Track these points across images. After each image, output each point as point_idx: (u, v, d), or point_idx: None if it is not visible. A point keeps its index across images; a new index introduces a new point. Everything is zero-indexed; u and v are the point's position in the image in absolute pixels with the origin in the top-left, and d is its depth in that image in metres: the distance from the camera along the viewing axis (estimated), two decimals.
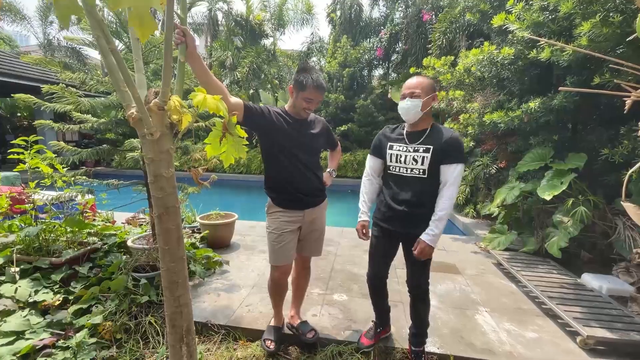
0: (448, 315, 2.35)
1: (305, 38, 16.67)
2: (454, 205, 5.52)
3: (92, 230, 2.86)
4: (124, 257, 2.59)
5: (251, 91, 10.71)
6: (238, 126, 1.32)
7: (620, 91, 1.20)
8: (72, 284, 2.25)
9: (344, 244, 3.88)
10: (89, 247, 2.56)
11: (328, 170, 2.15)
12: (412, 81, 1.67)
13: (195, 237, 3.38)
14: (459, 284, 2.87)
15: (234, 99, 1.59)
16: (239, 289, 2.69)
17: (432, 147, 1.63)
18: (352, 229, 4.44)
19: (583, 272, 2.95)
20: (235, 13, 11.25)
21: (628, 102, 1.12)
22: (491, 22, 2.98)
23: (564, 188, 2.85)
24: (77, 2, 0.70)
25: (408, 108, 1.65)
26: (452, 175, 1.59)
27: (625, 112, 1.16)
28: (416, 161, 1.67)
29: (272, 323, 2.13)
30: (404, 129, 1.78)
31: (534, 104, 2.99)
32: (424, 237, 1.62)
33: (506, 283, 2.91)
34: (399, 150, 1.73)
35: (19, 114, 13.63)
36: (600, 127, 3.07)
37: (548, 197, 2.91)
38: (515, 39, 3.13)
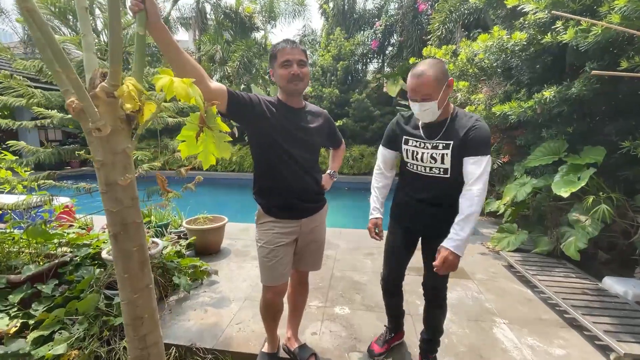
0: (463, 330, 2.11)
1: (297, 31, 16.26)
2: None
3: (62, 240, 2.54)
4: (97, 270, 2.29)
5: (242, 86, 10.34)
6: (219, 118, 1.02)
7: None
8: (32, 305, 1.95)
9: (343, 246, 3.61)
10: (56, 261, 2.25)
11: (328, 172, 1.83)
12: (421, 79, 1.33)
13: (180, 245, 3.08)
14: (471, 290, 2.64)
15: (215, 84, 1.27)
16: (229, 302, 2.42)
17: (452, 141, 1.38)
18: (351, 230, 4.18)
19: (601, 274, 2.73)
20: (224, 5, 10.82)
21: None
22: (505, 1, 2.71)
23: (582, 184, 2.62)
24: None
25: (422, 112, 1.38)
26: (479, 169, 1.31)
27: None
28: (435, 160, 1.43)
29: (265, 349, 1.84)
30: (419, 120, 1.50)
31: (549, 93, 2.74)
32: (446, 243, 1.31)
33: (521, 289, 2.68)
34: (415, 146, 1.49)
35: None
36: (619, 118, 2.84)
37: (565, 194, 2.68)
38: (526, 22, 2.88)
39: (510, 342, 1.99)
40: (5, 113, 12.38)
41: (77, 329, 1.85)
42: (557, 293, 2.38)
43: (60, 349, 1.71)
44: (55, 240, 2.45)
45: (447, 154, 1.40)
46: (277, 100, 1.52)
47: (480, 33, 5.52)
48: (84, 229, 3.20)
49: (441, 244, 1.34)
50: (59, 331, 1.82)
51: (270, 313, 1.70)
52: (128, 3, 1.03)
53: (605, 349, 1.90)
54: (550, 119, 3.15)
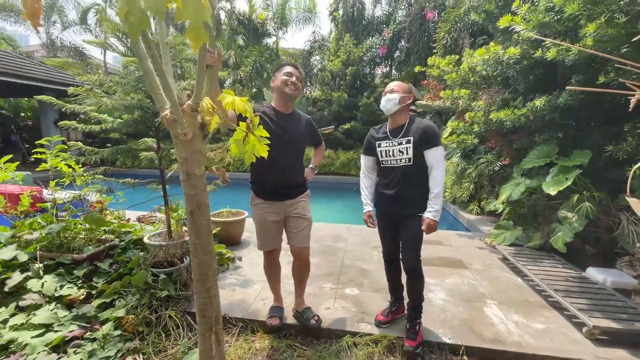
0: (457, 308, 2.43)
1: (307, 36, 16.67)
2: (460, 202, 5.60)
3: (108, 228, 2.94)
4: (141, 253, 2.67)
5: (254, 90, 10.77)
6: (261, 126, 1.38)
7: (625, 90, 1.27)
8: (94, 279, 2.33)
9: (352, 240, 3.95)
10: (107, 244, 2.64)
11: (311, 166, 2.29)
12: (391, 83, 1.98)
13: None
14: (467, 278, 2.95)
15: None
16: (253, 284, 2.77)
17: (412, 138, 1.90)
18: (358, 225, 4.51)
19: (587, 266, 3.02)
20: (238, 12, 11.30)
21: (633, 100, 1.19)
22: (497, 22, 3.04)
23: (568, 183, 2.91)
24: (149, 17, 0.77)
25: (388, 101, 1.94)
26: (435, 157, 1.86)
27: (630, 109, 1.23)
28: (402, 152, 1.94)
29: (274, 303, 2.30)
30: (387, 127, 2.05)
31: (539, 102, 3.05)
32: (427, 214, 1.87)
33: (512, 277, 2.99)
34: (386, 146, 2.00)
35: (22, 114, 13.72)
36: (605, 125, 3.13)
37: (553, 192, 2.97)
38: (520, 38, 3.19)
39: (498, 318, 2.31)
40: (29, 114, 12.90)
41: (131, 299, 2.23)
42: (543, 280, 2.68)
43: (120, 313, 2.09)
44: (103, 228, 2.85)
45: (409, 147, 1.91)
46: (270, 107, 2.02)
47: (486, 40, 5.82)
48: (121, 219, 3.60)
49: (424, 215, 1.89)
50: (118, 299, 2.20)
51: (269, 270, 2.22)
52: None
53: (580, 325, 2.20)
54: (543, 125, 3.45)
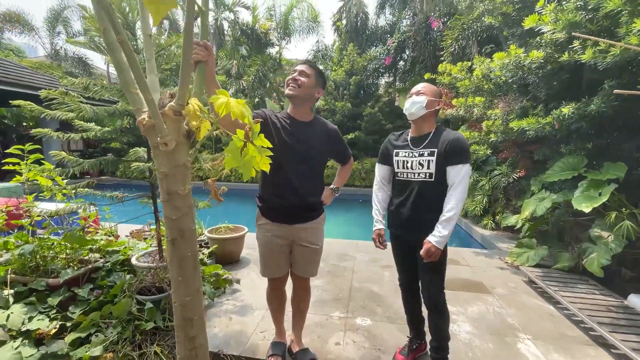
0: (486, 344, 2.11)
1: (311, 46, 16.71)
2: (472, 216, 5.29)
3: (94, 247, 2.66)
4: (128, 276, 2.38)
5: (257, 99, 10.62)
6: (262, 135, 1.11)
7: None
8: (70, 308, 2.04)
9: (360, 258, 3.64)
10: (90, 266, 2.35)
11: (331, 186, 1.90)
12: (419, 84, 1.73)
13: (203, 253, 3.16)
14: (491, 305, 2.63)
15: None
16: (252, 311, 2.47)
17: (436, 149, 1.62)
18: (367, 242, 4.21)
19: (626, 291, 2.69)
20: (241, 22, 11.26)
21: None
22: (522, 23, 2.80)
23: (604, 200, 2.62)
24: None
25: (413, 103, 1.66)
26: (458, 176, 1.56)
27: None
28: (422, 165, 1.66)
29: (275, 339, 1.99)
30: (408, 135, 1.77)
31: (567, 109, 2.79)
32: (430, 238, 1.57)
33: (543, 304, 2.66)
34: (405, 156, 1.73)
35: (24, 124, 13.62)
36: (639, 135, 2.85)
37: (587, 209, 2.68)
38: (543, 41, 2.95)
39: (537, 358, 1.98)
40: (31, 124, 12.81)
41: (111, 332, 1.93)
42: (581, 310, 2.36)
43: (96, 351, 1.79)
44: (89, 247, 2.57)
45: (432, 160, 1.62)
46: (285, 114, 1.70)
47: (493, 49, 5.63)
48: (109, 236, 3.33)
49: (426, 238, 1.58)
50: (95, 334, 1.90)
51: (271, 300, 1.91)
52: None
53: None
54: (569, 134, 3.17)
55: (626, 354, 1.92)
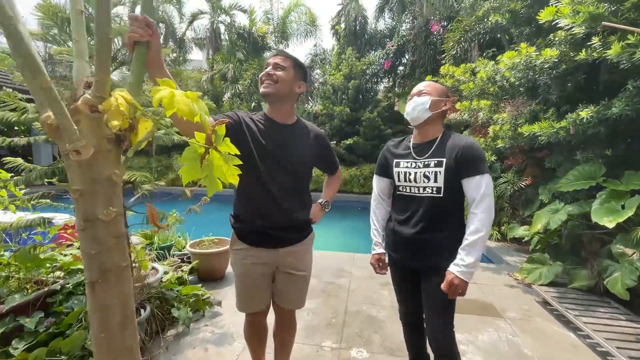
0: None
1: (309, 50, 16.54)
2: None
3: (56, 264, 2.36)
4: None
5: (253, 104, 10.39)
6: (227, 139, 0.83)
7: None
8: (13, 343, 1.73)
9: (357, 274, 3.35)
10: (45, 289, 2.05)
11: (320, 201, 1.59)
12: (421, 83, 1.47)
13: (183, 270, 2.86)
14: (504, 332, 2.33)
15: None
16: (232, 340, 2.17)
17: (444, 159, 1.36)
18: (365, 254, 3.91)
19: None
20: (237, 26, 11.08)
21: None
22: (537, 16, 2.55)
23: (630, 214, 2.34)
24: None
25: (415, 105, 1.41)
26: (479, 189, 1.28)
27: None
28: (428, 178, 1.39)
29: None
30: (410, 142, 1.51)
31: (585, 112, 2.52)
32: (452, 268, 1.29)
33: (562, 331, 2.36)
34: (407, 167, 1.46)
35: (16, 128, 13.34)
36: None
37: (610, 225, 2.40)
38: (557, 39, 2.70)
39: None
40: (22, 128, 12.53)
41: None
42: (608, 340, 2.07)
43: None
44: (48, 265, 2.27)
45: (440, 172, 1.35)
46: (263, 115, 1.41)
47: (495, 52, 5.41)
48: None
49: (448, 268, 1.30)
50: None
51: (252, 335, 1.61)
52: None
53: None
54: (584, 140, 2.91)
55: None
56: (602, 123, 2.59)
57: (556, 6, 2.40)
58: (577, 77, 2.83)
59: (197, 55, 15.94)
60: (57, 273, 2.33)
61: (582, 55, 2.45)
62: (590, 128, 2.70)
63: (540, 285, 2.97)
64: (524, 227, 3.91)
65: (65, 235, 3.19)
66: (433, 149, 1.40)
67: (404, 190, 1.47)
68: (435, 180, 1.36)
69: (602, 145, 2.81)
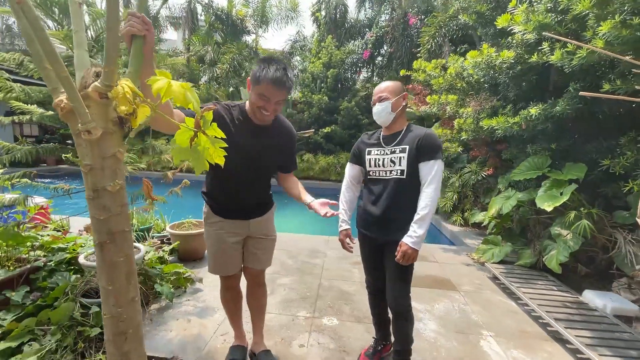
0: (451, 342, 2.11)
1: (289, 36, 16.28)
2: (442, 213, 5.39)
3: (36, 243, 2.40)
4: (74, 277, 2.16)
5: (231, 89, 10.24)
6: (215, 124, 0.98)
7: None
8: (0, 314, 1.81)
9: (330, 255, 3.59)
10: (28, 266, 2.11)
11: (309, 202, 1.55)
12: (379, 87, 1.67)
13: (164, 250, 2.97)
14: (457, 302, 2.66)
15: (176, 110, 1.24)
16: (213, 312, 2.34)
17: (407, 146, 1.60)
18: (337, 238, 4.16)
19: (581, 287, 2.83)
20: (215, 7, 10.75)
21: None
22: (495, 22, 2.81)
23: (565, 199, 2.71)
24: None
25: (379, 112, 1.65)
26: (431, 172, 1.53)
27: None
28: (394, 163, 1.63)
29: (234, 342, 1.87)
30: (380, 134, 1.75)
31: (534, 110, 2.84)
32: (405, 239, 1.52)
33: (506, 301, 2.73)
34: (377, 154, 1.69)
35: None
36: (598, 137, 2.97)
37: (549, 208, 2.76)
38: (514, 42, 2.98)
39: (496, 354, 2.01)
40: None
41: (49, 340, 1.73)
42: (540, 306, 2.43)
43: None
44: (29, 244, 2.31)
45: (403, 157, 1.59)
46: (240, 111, 1.51)
47: (467, 49, 5.71)
48: (59, 231, 3.04)
49: (401, 240, 1.52)
50: (29, 343, 1.70)
51: (228, 299, 1.79)
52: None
53: None
54: (534, 135, 3.26)
55: (579, 349, 1.98)
56: (548, 120, 2.93)
57: (511, 14, 2.67)
58: (530, 77, 3.15)
59: (171, 35, 15.27)
60: (38, 252, 2.37)
61: (534, 58, 2.74)
62: (539, 124, 3.03)
63: (492, 263, 3.35)
64: (483, 213, 4.30)
65: (37, 217, 3.18)
66: (399, 138, 1.64)
67: (374, 174, 1.70)
68: (400, 164, 1.60)
69: (549, 139, 3.16)
